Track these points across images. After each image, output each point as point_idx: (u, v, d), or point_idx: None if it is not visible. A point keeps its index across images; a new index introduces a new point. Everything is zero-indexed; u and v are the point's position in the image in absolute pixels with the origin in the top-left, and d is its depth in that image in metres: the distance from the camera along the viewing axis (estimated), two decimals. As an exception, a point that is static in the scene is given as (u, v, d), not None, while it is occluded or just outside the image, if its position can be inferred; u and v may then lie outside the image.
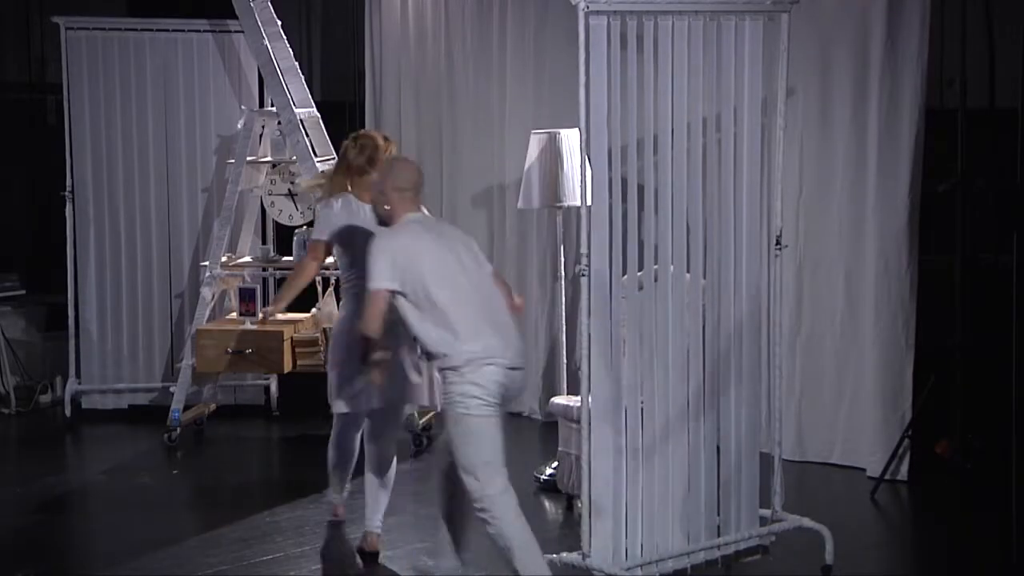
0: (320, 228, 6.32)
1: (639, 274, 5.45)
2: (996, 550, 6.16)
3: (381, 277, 5.37)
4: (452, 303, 5.33)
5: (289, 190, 8.48)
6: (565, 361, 7.53)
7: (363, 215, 6.12)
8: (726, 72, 5.58)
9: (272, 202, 8.53)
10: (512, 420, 8.75)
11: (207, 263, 8.37)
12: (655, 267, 5.48)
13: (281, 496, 7.10)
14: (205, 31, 8.92)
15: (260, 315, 7.35)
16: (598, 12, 5.18)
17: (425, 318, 5.34)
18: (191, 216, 8.96)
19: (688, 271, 5.58)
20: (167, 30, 8.90)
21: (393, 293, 5.36)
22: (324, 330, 7.83)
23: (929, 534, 6.73)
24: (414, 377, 6.26)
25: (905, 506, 7.04)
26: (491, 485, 5.27)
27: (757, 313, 5.82)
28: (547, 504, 7.04)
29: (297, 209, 8.49)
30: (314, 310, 8.18)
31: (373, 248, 5.41)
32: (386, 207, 5.56)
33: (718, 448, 5.72)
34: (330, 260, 6.67)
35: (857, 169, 7.31)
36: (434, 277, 5.35)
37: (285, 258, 8.44)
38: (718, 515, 5.72)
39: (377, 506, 6.29)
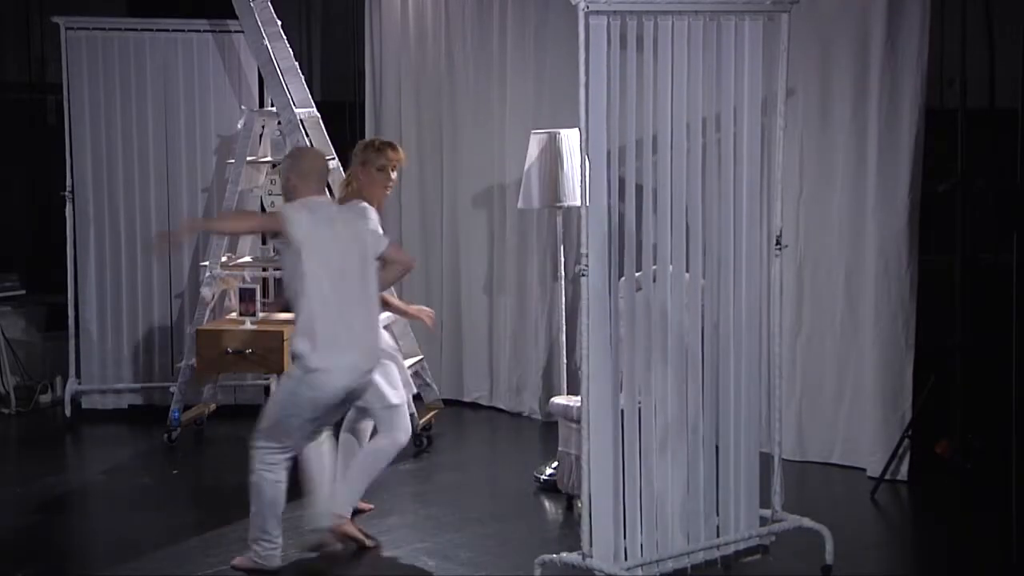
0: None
1: (638, 274, 5.46)
2: (996, 550, 6.16)
3: (292, 215, 5.83)
4: (319, 300, 5.76)
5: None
6: (565, 361, 7.53)
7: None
8: (726, 72, 5.58)
9: (272, 202, 8.52)
10: (512, 420, 8.84)
11: (207, 263, 8.37)
12: (654, 267, 5.48)
13: (281, 496, 7.09)
14: (205, 31, 8.92)
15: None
16: (598, 12, 5.18)
17: (309, 300, 5.77)
18: (191, 216, 8.95)
19: (687, 271, 5.58)
20: (167, 30, 8.90)
21: (289, 245, 5.78)
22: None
23: (929, 534, 6.73)
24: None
25: (905, 506, 7.04)
26: (269, 443, 5.92)
27: (757, 313, 5.82)
28: (547, 504, 7.04)
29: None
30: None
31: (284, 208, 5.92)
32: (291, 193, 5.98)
33: (717, 448, 5.72)
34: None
35: (857, 169, 7.31)
36: (312, 262, 5.76)
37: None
38: (717, 515, 5.73)
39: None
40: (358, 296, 5.91)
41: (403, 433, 6.43)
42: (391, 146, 6.68)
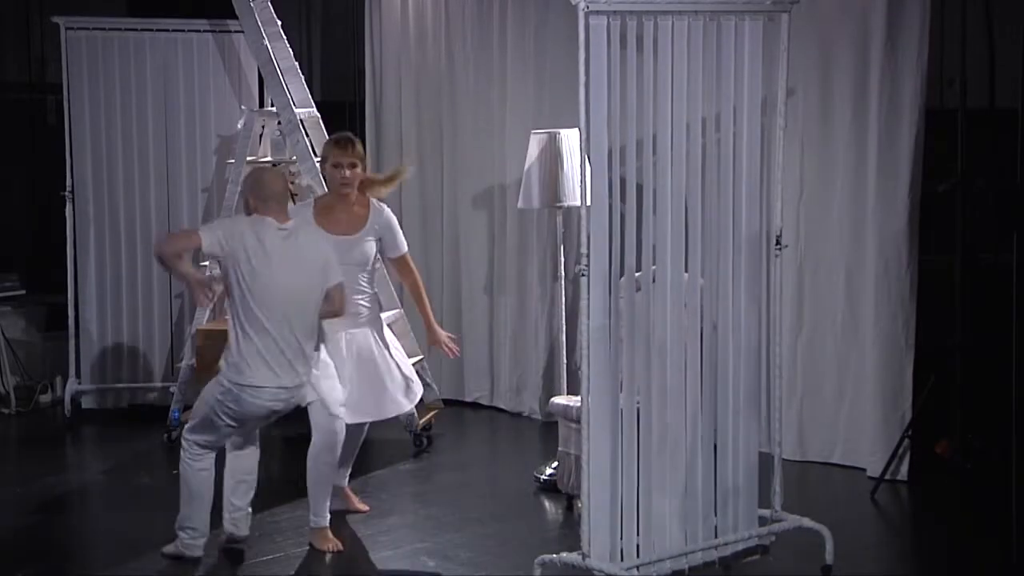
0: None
1: (638, 275, 5.45)
2: (996, 550, 6.15)
3: (208, 231, 5.85)
4: (254, 321, 5.79)
5: (289, 190, 8.47)
6: (565, 361, 7.53)
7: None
8: (726, 72, 5.58)
9: (272, 202, 8.52)
10: (512, 420, 8.84)
11: (207, 263, 8.37)
12: (653, 268, 5.48)
13: (281, 496, 7.08)
14: (205, 31, 8.92)
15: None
16: (598, 12, 5.18)
17: (237, 316, 5.81)
18: (191, 216, 8.96)
19: (687, 271, 5.58)
20: (167, 30, 8.90)
21: (210, 257, 5.92)
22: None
23: (929, 534, 6.73)
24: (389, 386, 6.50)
25: (905, 506, 7.04)
26: (195, 437, 6.06)
27: (756, 313, 5.82)
28: (547, 504, 7.04)
29: (295, 205, 8.48)
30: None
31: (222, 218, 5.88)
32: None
33: (716, 448, 5.72)
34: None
35: (857, 169, 7.31)
36: (250, 280, 5.77)
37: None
38: (715, 515, 5.72)
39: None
40: (292, 322, 5.89)
41: (318, 432, 6.20)
42: (338, 144, 6.44)
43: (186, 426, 6.15)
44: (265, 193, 5.89)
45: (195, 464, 6.09)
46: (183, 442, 6.13)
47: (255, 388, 5.86)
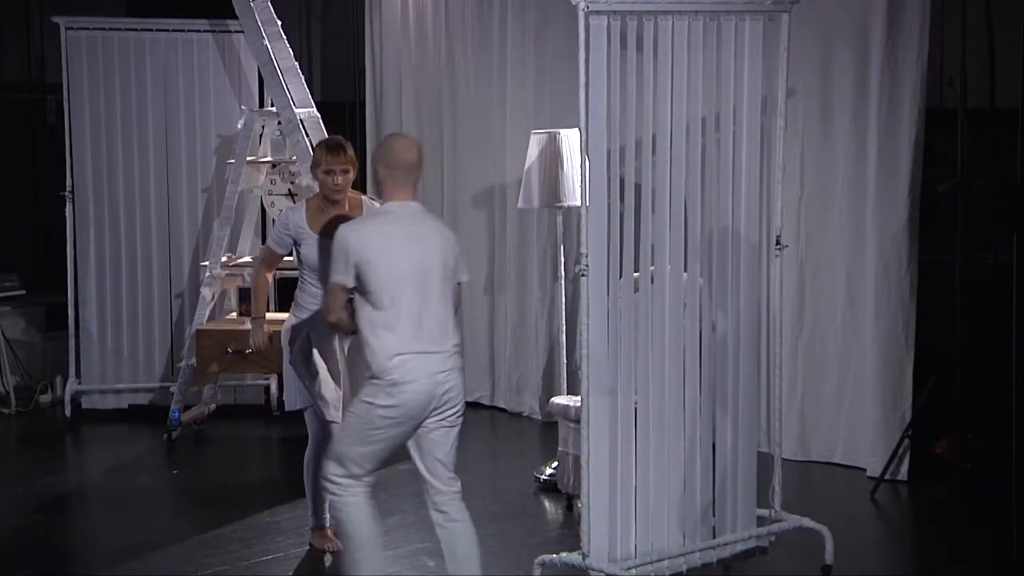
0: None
1: (637, 275, 5.45)
2: (996, 550, 6.15)
3: (336, 271, 5.19)
4: (390, 314, 5.13)
5: (289, 190, 8.48)
6: (565, 361, 7.53)
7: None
8: (726, 72, 5.58)
9: (272, 202, 8.53)
10: (512, 420, 8.84)
11: (207, 263, 8.38)
12: (651, 268, 5.48)
13: (281, 496, 7.09)
14: (205, 31, 8.92)
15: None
16: (598, 12, 5.18)
17: (368, 320, 5.17)
18: (191, 216, 8.96)
19: (686, 271, 5.58)
20: (167, 30, 8.91)
21: (351, 288, 5.20)
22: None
23: (929, 534, 6.73)
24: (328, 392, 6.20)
25: (905, 506, 7.03)
26: (345, 481, 5.23)
27: (755, 313, 5.82)
28: (547, 504, 7.04)
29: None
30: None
31: (336, 237, 5.23)
32: (379, 184, 5.34)
33: (714, 447, 5.72)
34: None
35: (857, 169, 7.30)
36: (380, 281, 5.13)
37: (286, 258, 8.41)
38: (713, 515, 5.72)
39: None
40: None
41: (313, 435, 6.21)
42: (330, 149, 6.22)
43: (331, 471, 5.30)
44: (395, 162, 5.28)
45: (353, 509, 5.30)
46: (332, 491, 5.31)
47: (415, 382, 5.18)
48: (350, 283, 5.17)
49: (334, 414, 6.17)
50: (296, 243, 6.24)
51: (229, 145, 8.69)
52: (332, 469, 5.25)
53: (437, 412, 5.19)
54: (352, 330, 5.44)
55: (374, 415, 5.15)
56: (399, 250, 5.17)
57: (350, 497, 5.24)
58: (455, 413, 5.24)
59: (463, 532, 5.32)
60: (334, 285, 5.20)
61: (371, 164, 5.41)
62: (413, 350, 5.13)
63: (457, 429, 5.28)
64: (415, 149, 5.38)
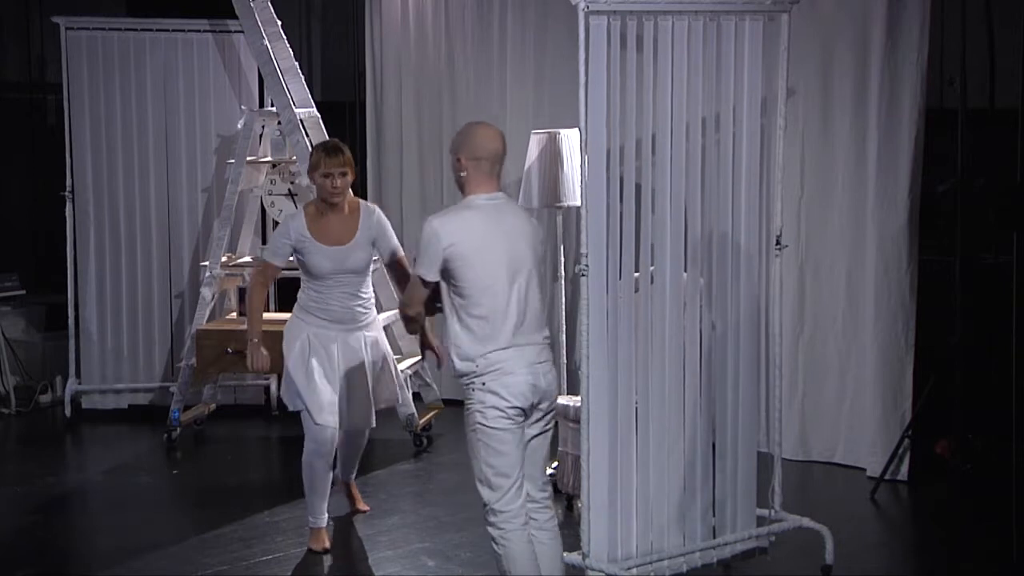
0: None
1: (636, 275, 5.45)
2: (996, 550, 6.16)
3: (421, 264, 5.02)
4: (486, 308, 4.97)
5: (289, 190, 8.48)
6: (565, 361, 7.53)
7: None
8: (726, 72, 5.58)
9: (272, 202, 8.53)
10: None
11: (207, 263, 8.37)
12: (651, 268, 5.48)
13: (281, 496, 7.10)
14: (205, 31, 8.92)
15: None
16: (598, 12, 5.18)
17: (457, 315, 5.02)
18: (191, 216, 8.96)
19: (686, 271, 5.58)
20: (167, 30, 8.90)
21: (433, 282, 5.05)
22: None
23: (929, 534, 6.73)
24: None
25: (905, 506, 7.04)
26: (502, 499, 4.99)
27: (755, 313, 5.82)
28: (547, 504, 7.03)
29: (297, 209, 8.48)
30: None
31: (424, 230, 5.02)
32: (462, 174, 5.08)
33: (714, 447, 5.72)
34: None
35: (857, 169, 7.31)
36: (474, 276, 4.96)
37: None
38: (713, 515, 5.72)
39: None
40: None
41: (308, 438, 6.20)
42: (328, 152, 6.22)
43: (485, 498, 5.05)
44: (480, 152, 5.04)
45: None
46: (488, 522, 5.08)
47: (516, 372, 5.03)
48: (434, 278, 5.02)
49: (328, 418, 6.16)
50: (297, 252, 6.22)
51: (229, 145, 8.69)
52: (485, 496, 5.01)
53: (537, 409, 5.04)
54: (420, 327, 5.39)
55: (489, 419, 4.96)
56: (491, 245, 4.98)
57: (511, 533, 5.01)
58: (551, 412, 5.12)
59: (550, 542, 5.17)
60: (417, 279, 5.05)
61: (451, 155, 5.14)
62: (511, 344, 4.98)
63: (551, 434, 5.16)
64: (500, 138, 5.15)
